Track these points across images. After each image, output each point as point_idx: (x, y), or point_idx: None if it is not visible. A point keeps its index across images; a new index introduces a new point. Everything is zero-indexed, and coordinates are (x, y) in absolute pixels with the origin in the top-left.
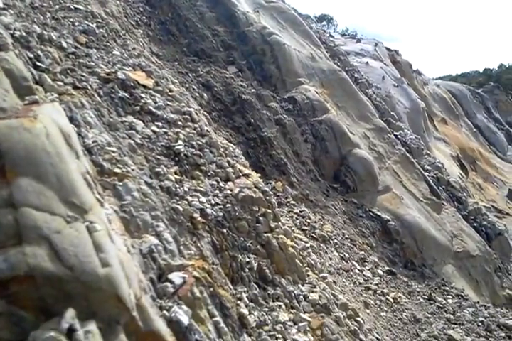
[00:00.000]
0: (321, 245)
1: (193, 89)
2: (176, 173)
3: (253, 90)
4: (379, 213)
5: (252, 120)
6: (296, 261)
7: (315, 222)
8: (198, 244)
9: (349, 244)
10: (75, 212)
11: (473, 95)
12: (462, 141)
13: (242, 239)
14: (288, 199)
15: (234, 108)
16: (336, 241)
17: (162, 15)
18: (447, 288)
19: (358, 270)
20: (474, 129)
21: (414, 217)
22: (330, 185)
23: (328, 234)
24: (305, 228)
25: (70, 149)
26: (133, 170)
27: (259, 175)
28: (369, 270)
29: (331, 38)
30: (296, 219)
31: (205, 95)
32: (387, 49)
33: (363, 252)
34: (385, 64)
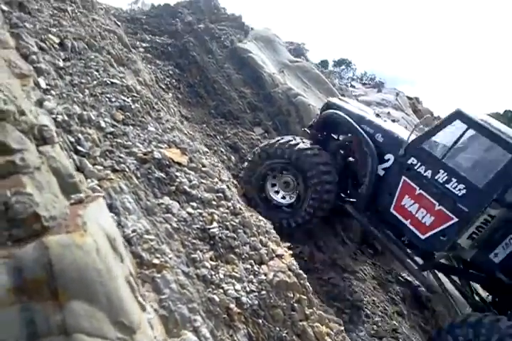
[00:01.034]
0: (353, 318)
1: (221, 151)
2: (211, 259)
3: None
4: (409, 278)
5: None
6: None
7: (344, 289)
8: (235, 338)
9: (380, 313)
10: (124, 333)
11: None
12: None
13: (277, 328)
14: (316, 265)
15: None
16: (367, 311)
17: (191, 78)
18: None
19: None
20: None
21: (445, 282)
22: (358, 247)
23: (358, 303)
24: (336, 303)
25: (115, 254)
26: (170, 258)
27: (291, 252)
28: None
29: (351, 88)
30: (325, 286)
31: (232, 157)
32: (408, 97)
33: (394, 322)
34: (406, 114)
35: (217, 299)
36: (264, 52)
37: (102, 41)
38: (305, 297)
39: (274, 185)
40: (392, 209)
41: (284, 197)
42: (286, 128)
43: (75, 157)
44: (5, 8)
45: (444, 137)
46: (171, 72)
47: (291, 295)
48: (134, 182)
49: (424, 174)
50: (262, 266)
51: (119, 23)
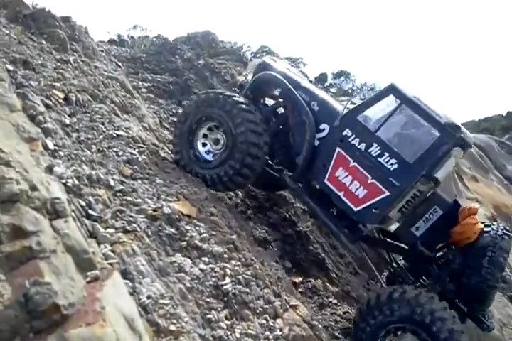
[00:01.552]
0: None
1: None
2: (226, 317)
3: None
4: None
5: (287, 215)
6: None
7: None
8: None
9: None
10: None
11: (500, 146)
12: (495, 198)
13: None
14: (330, 299)
15: (268, 204)
16: None
17: None
18: None
19: None
20: (505, 181)
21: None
22: (370, 276)
23: None
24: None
25: (134, 334)
26: (186, 322)
27: (305, 309)
28: None
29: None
30: (340, 322)
31: (239, 193)
32: None
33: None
34: None
35: None
36: None
37: (106, 90)
38: None
39: (204, 145)
40: (326, 180)
41: (208, 153)
42: None
43: (87, 222)
44: (10, 67)
45: (378, 111)
46: (174, 110)
47: None
48: (146, 241)
49: (358, 146)
50: (277, 320)
51: (120, 64)
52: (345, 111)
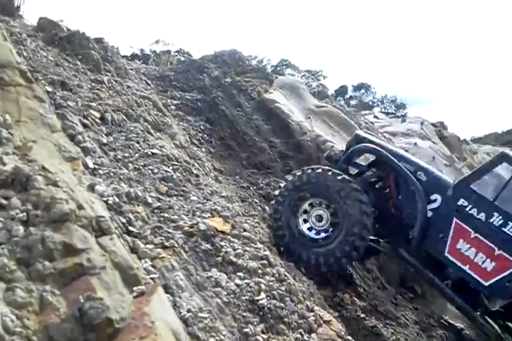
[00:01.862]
0: None
1: (255, 202)
2: (262, 332)
3: None
4: (451, 321)
5: None
6: None
7: (388, 337)
8: None
9: None
10: None
11: None
12: None
13: None
14: (357, 313)
15: None
16: None
17: (221, 132)
18: None
19: None
20: None
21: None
22: (397, 291)
23: None
24: None
25: None
26: (224, 335)
27: (336, 315)
28: None
29: (375, 119)
30: (369, 336)
31: (266, 208)
32: (433, 125)
33: None
34: (433, 142)
35: None
36: (289, 100)
37: (139, 109)
38: None
39: (306, 221)
40: (446, 253)
41: (311, 230)
42: None
43: (128, 239)
44: (49, 89)
45: (492, 179)
46: (202, 127)
47: None
48: (184, 257)
49: (478, 216)
50: (312, 335)
51: (149, 82)
52: (457, 180)
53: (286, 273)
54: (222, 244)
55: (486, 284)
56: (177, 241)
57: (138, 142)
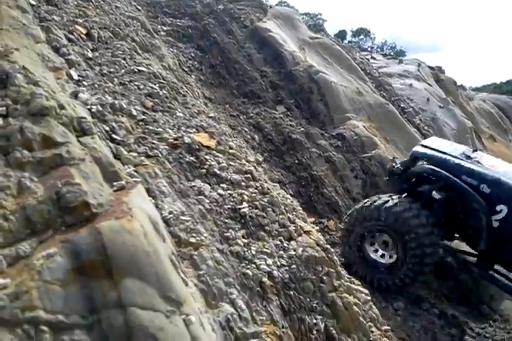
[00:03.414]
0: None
1: (245, 131)
2: (243, 237)
3: (302, 129)
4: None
5: (303, 159)
6: (360, 318)
7: None
8: (268, 309)
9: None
10: (172, 306)
11: None
12: None
13: (308, 299)
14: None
15: (284, 148)
16: None
17: (212, 59)
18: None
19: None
20: None
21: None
22: None
23: None
24: None
25: (159, 236)
26: (205, 237)
27: (317, 228)
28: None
29: (372, 60)
30: None
31: (256, 137)
32: (430, 67)
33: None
34: (428, 84)
35: (250, 273)
36: (283, 30)
37: (126, 29)
38: (333, 270)
39: (372, 244)
40: None
41: (383, 256)
42: (308, 105)
43: (111, 145)
44: (33, 2)
45: None
46: (192, 54)
47: (320, 269)
48: (167, 166)
49: None
50: (291, 242)
51: (140, 8)
52: None
53: (270, 188)
54: (207, 157)
55: None
56: (161, 151)
57: (124, 59)
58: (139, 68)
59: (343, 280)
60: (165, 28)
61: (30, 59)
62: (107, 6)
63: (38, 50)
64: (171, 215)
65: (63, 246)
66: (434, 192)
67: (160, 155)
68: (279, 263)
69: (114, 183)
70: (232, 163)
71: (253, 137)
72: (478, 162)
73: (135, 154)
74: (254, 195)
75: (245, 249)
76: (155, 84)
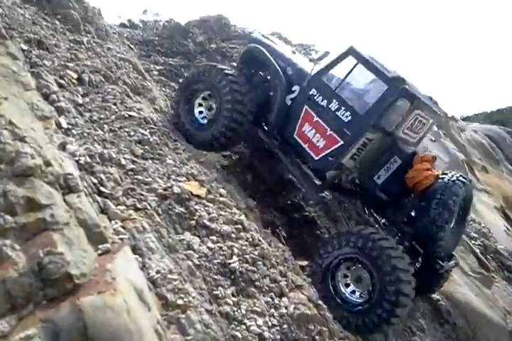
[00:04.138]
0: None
1: (237, 171)
2: (233, 294)
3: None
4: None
5: (295, 199)
6: None
7: None
8: None
9: (400, 330)
10: None
11: None
12: (505, 190)
13: None
14: None
15: (276, 188)
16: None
17: None
18: None
19: None
20: None
21: (464, 294)
22: None
23: None
24: None
25: (143, 305)
26: (194, 297)
27: (309, 281)
28: None
29: None
30: None
31: (248, 177)
32: None
33: (415, 337)
34: None
35: (240, 336)
36: None
37: (118, 71)
38: (326, 328)
39: (200, 105)
40: (295, 135)
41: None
42: None
43: (99, 199)
44: (25, 47)
45: (339, 71)
46: None
47: (312, 328)
48: (156, 219)
49: (321, 103)
50: (283, 299)
51: (132, 47)
52: (313, 72)
53: (261, 238)
54: (197, 207)
55: (316, 158)
56: (150, 203)
57: (115, 104)
58: (130, 113)
59: (336, 338)
60: (157, 67)
61: (19, 108)
62: (99, 47)
63: (27, 99)
64: (159, 275)
65: (43, 326)
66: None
67: (149, 207)
68: (270, 323)
69: (99, 246)
70: (222, 213)
71: (245, 177)
72: (298, 57)
73: (123, 207)
74: (244, 247)
75: (235, 309)
76: (146, 130)
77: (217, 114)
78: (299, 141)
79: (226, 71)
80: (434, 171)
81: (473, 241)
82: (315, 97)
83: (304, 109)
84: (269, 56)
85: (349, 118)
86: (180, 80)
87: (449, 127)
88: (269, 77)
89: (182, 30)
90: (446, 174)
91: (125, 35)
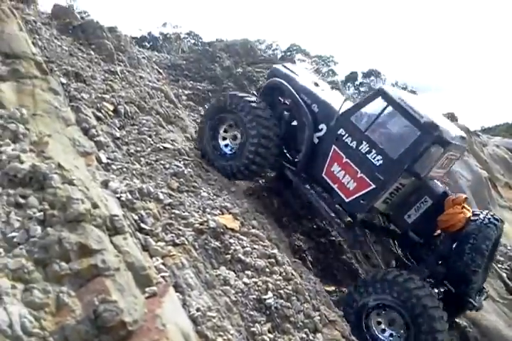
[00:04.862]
0: None
1: (264, 196)
2: (269, 331)
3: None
4: (456, 319)
5: (321, 224)
6: None
7: None
8: None
9: None
10: None
11: None
12: None
13: None
14: None
15: (302, 212)
16: None
17: None
18: None
19: None
20: None
21: (492, 321)
22: None
23: None
24: None
25: None
26: (232, 334)
27: (340, 314)
28: None
29: None
30: None
31: (275, 201)
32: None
33: None
34: None
35: None
36: None
37: (151, 101)
38: None
39: (224, 139)
40: (323, 174)
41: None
42: None
43: (140, 236)
44: (64, 80)
45: (369, 112)
46: None
47: None
48: (193, 255)
49: (350, 144)
50: (317, 335)
51: (161, 71)
52: (341, 112)
53: (293, 272)
54: (231, 241)
55: (347, 200)
56: (187, 238)
57: (150, 136)
58: (164, 145)
59: None
60: (186, 92)
61: (62, 145)
62: (132, 76)
63: (69, 134)
64: (199, 313)
65: None
66: (284, 113)
67: (186, 242)
68: None
69: (146, 289)
70: (255, 247)
71: (272, 202)
72: (322, 89)
73: (163, 244)
74: (278, 282)
75: None
76: (180, 162)
77: (241, 145)
78: (328, 180)
79: (252, 103)
80: (466, 212)
81: (499, 265)
82: (343, 138)
83: (333, 149)
84: (295, 93)
85: (381, 161)
86: (206, 106)
87: (471, 143)
88: (288, 104)
89: (209, 54)
90: (478, 215)
91: (153, 60)
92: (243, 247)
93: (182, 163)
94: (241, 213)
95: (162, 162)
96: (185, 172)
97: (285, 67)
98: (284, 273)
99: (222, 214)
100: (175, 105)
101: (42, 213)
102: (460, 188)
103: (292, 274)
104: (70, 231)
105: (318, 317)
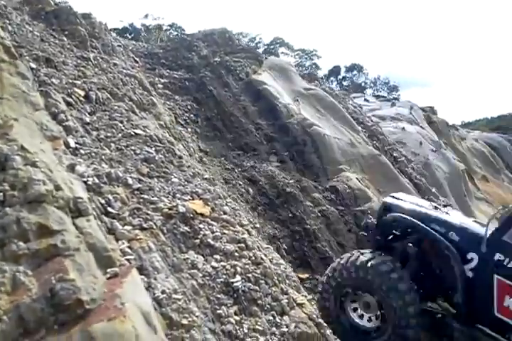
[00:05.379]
0: None
1: (239, 184)
2: (235, 313)
3: (296, 182)
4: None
5: (297, 212)
6: None
7: None
8: None
9: None
10: None
11: None
12: (505, 199)
13: None
14: None
15: (278, 201)
16: None
17: (208, 112)
18: None
19: None
20: None
21: None
22: None
23: None
24: None
25: (150, 328)
26: (197, 316)
27: (313, 306)
28: None
29: (365, 103)
30: None
31: (250, 190)
32: (423, 110)
33: None
34: (421, 127)
35: None
36: (278, 82)
37: (124, 88)
38: None
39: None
40: (496, 313)
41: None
42: (302, 157)
43: (106, 220)
44: (34, 65)
45: None
46: (189, 106)
47: None
48: (161, 239)
49: None
50: (284, 317)
51: (137, 60)
52: (488, 234)
53: (263, 256)
54: (201, 226)
55: None
56: (155, 222)
57: (121, 122)
58: (136, 131)
59: None
60: (162, 81)
61: (28, 130)
62: (105, 63)
63: (36, 119)
64: (164, 295)
65: None
66: (407, 247)
67: (154, 226)
68: None
69: (108, 270)
70: (225, 232)
71: (247, 190)
72: (446, 213)
73: (130, 227)
74: (247, 266)
75: (237, 327)
76: (151, 148)
77: (385, 325)
78: (506, 319)
79: (392, 275)
80: None
81: None
82: (505, 263)
83: (496, 280)
84: (421, 223)
85: None
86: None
87: (449, 136)
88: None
89: (186, 43)
90: None
91: (130, 48)
92: (213, 232)
93: (153, 149)
94: (212, 199)
95: (133, 148)
96: (157, 158)
97: (394, 197)
98: (253, 258)
99: (193, 199)
100: (149, 92)
101: (1, 194)
102: (437, 180)
103: (262, 258)
104: (30, 211)
105: (286, 301)
